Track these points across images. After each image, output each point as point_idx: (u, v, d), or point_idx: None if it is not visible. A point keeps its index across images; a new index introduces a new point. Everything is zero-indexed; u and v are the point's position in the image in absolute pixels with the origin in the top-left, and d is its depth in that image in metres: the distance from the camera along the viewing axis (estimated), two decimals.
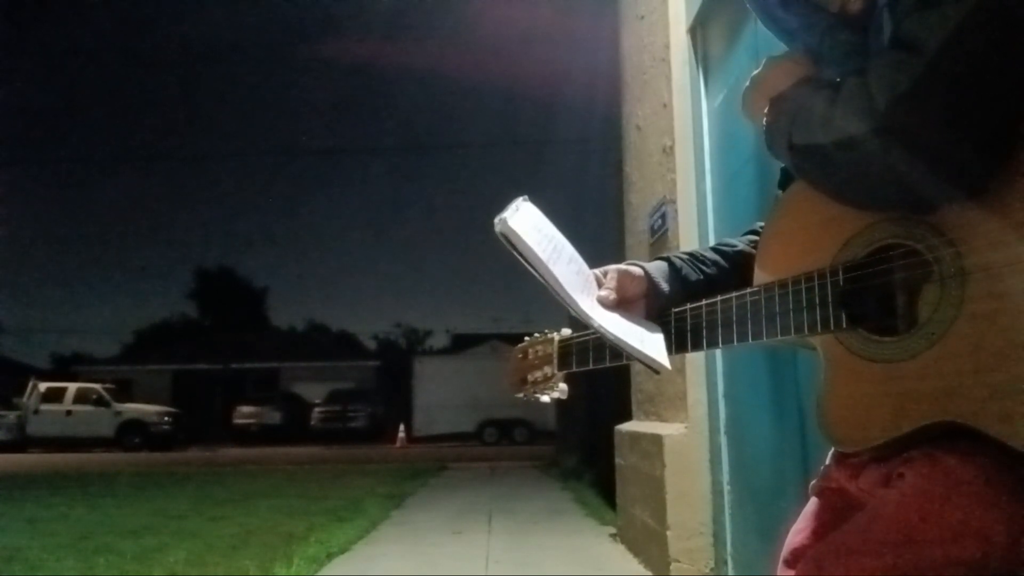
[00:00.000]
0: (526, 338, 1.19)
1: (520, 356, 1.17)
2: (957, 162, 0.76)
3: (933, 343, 0.80)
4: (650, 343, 0.97)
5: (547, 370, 1.13)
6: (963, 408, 0.77)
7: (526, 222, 0.93)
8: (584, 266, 1.04)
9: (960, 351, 0.78)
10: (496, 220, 0.90)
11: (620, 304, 1.03)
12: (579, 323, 0.99)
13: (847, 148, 0.81)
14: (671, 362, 0.98)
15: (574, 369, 1.10)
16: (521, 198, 0.97)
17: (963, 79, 0.74)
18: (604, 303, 1.02)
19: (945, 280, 0.80)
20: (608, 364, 1.06)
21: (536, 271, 0.92)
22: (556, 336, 1.14)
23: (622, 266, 1.08)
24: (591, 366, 1.07)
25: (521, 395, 1.16)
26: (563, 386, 1.13)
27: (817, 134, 0.86)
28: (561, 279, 0.92)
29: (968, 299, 0.78)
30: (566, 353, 1.12)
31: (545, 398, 1.14)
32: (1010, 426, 0.74)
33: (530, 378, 1.14)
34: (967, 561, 0.76)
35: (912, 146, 0.76)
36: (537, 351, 1.15)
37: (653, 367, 0.95)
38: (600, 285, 1.05)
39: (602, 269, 1.08)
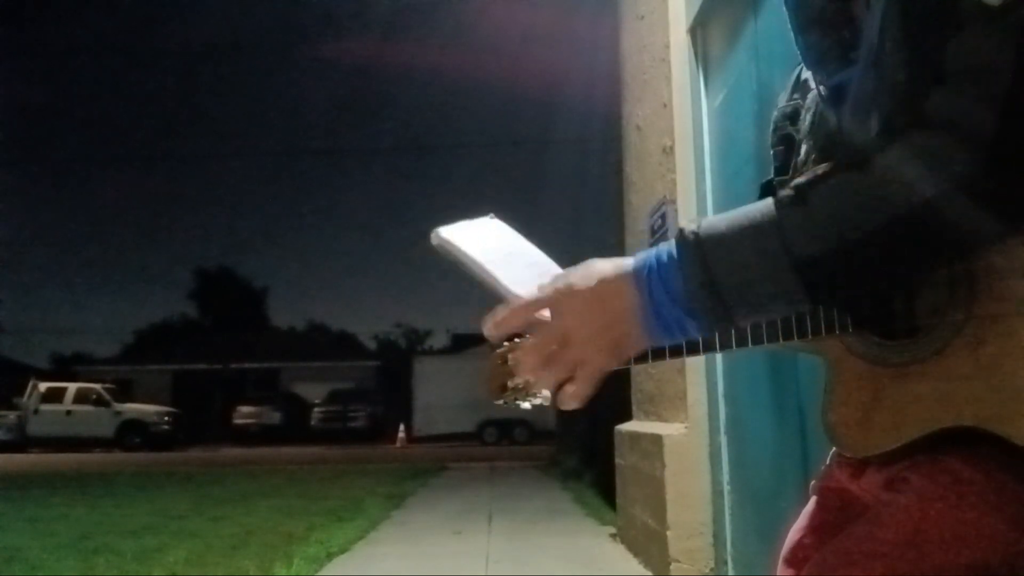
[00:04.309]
0: (505, 343, 1.16)
1: (499, 362, 1.12)
2: None
3: (941, 346, 0.79)
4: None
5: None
6: (972, 411, 0.76)
7: (468, 233, 0.89)
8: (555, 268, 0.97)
9: (969, 354, 0.77)
10: (432, 235, 0.87)
11: None
12: None
13: (932, 210, 0.69)
14: (672, 363, 0.96)
15: None
16: (487, 216, 0.95)
17: None
18: None
19: (953, 282, 0.79)
20: None
21: (474, 273, 0.87)
22: None
23: None
24: None
25: (501, 402, 1.13)
26: (546, 392, 1.09)
27: (863, 220, 0.71)
28: (499, 274, 0.87)
29: (976, 301, 0.77)
30: None
31: (526, 405, 1.10)
32: (1020, 428, 0.73)
33: (510, 384, 1.11)
34: (972, 564, 0.75)
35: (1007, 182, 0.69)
36: (517, 356, 1.12)
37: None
38: None
39: None
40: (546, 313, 0.79)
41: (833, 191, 0.72)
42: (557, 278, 0.79)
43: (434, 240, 0.87)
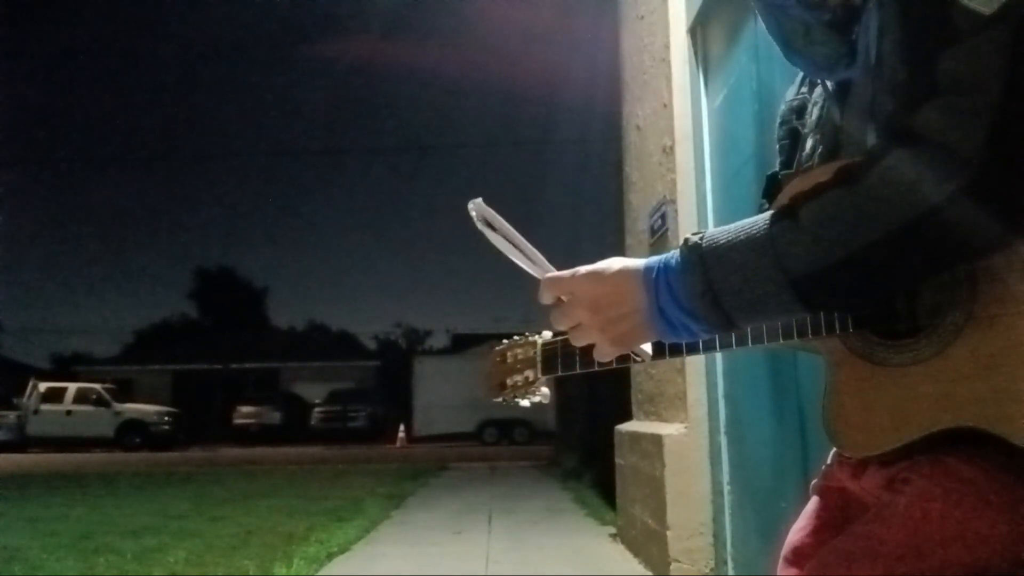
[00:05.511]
0: (504, 341, 1.16)
1: (498, 359, 1.12)
2: None
3: (943, 347, 0.79)
4: None
5: (528, 374, 1.08)
6: (972, 412, 0.76)
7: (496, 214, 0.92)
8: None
9: (970, 355, 0.77)
10: (469, 205, 0.88)
11: None
12: None
13: (921, 226, 0.70)
14: (672, 363, 0.97)
15: (559, 373, 1.05)
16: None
17: None
18: None
19: (955, 283, 0.79)
20: (596, 368, 1.00)
21: (511, 243, 0.90)
22: (539, 339, 1.08)
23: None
24: (578, 370, 1.02)
25: (500, 399, 1.13)
26: (545, 390, 1.08)
27: (851, 238, 0.72)
28: (535, 250, 0.89)
29: (978, 303, 0.77)
30: (550, 356, 1.06)
31: (525, 403, 1.09)
32: (1020, 429, 0.73)
33: (509, 382, 1.10)
34: (972, 564, 0.75)
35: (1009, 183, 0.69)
36: (517, 354, 1.10)
37: None
38: None
39: None
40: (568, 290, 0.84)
41: (823, 208, 0.74)
42: (579, 269, 0.84)
43: (473, 209, 0.88)
